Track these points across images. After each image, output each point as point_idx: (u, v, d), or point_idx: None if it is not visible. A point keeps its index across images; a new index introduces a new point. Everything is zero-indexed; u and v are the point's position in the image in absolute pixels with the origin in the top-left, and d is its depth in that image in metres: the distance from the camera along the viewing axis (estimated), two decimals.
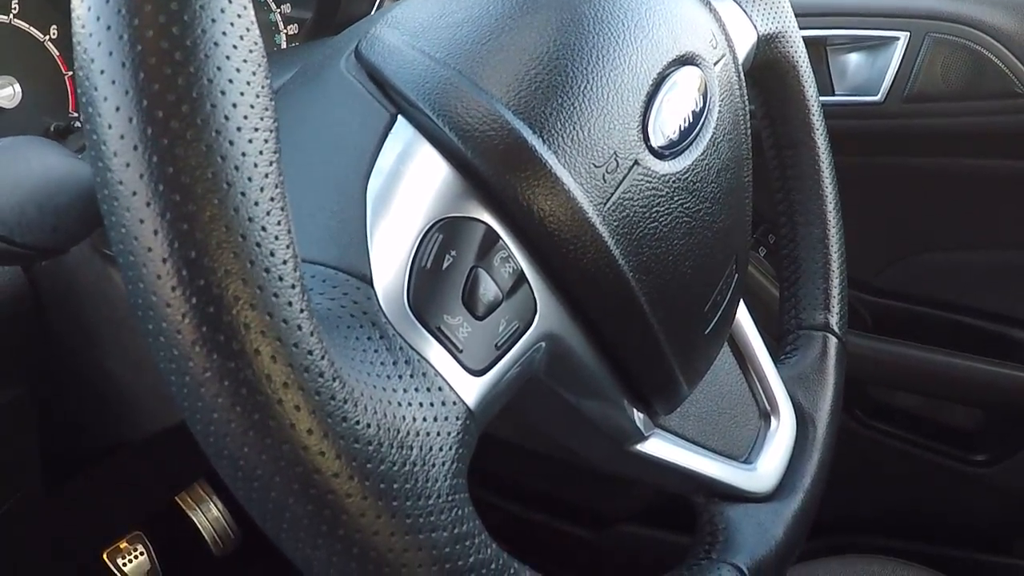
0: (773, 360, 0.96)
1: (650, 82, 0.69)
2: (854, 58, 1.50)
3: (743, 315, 0.93)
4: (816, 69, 1.03)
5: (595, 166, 0.64)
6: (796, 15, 0.97)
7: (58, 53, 0.99)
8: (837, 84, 1.51)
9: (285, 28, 1.19)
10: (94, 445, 0.92)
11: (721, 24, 0.78)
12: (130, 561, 1.34)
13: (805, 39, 0.98)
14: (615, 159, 0.65)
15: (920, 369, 1.60)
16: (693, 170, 0.71)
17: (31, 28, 0.97)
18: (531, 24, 0.66)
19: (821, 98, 1.01)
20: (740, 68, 0.79)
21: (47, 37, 0.98)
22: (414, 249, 0.57)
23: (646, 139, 0.68)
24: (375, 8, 1.17)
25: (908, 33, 1.45)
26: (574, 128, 0.63)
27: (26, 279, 0.82)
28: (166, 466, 1.16)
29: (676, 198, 0.70)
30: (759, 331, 0.95)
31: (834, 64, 1.51)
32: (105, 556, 1.31)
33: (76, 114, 1.01)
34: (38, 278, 0.82)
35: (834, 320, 1.00)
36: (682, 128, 0.71)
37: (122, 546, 1.33)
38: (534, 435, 0.78)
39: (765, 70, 0.96)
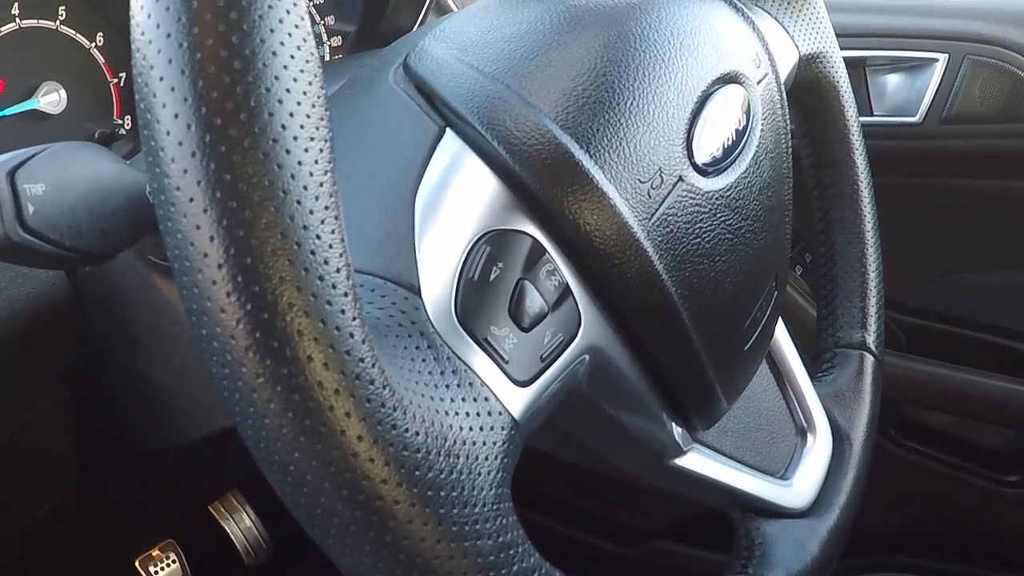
0: (810, 377, 0.96)
1: (695, 100, 0.69)
2: (893, 79, 1.50)
3: (781, 333, 0.93)
4: (855, 89, 1.03)
5: (640, 181, 0.64)
6: (836, 35, 0.97)
7: (103, 60, 1.00)
8: (876, 104, 1.51)
9: (329, 40, 1.19)
10: (133, 451, 0.93)
11: (764, 43, 0.79)
12: (162, 569, 1.34)
13: (845, 59, 0.99)
14: (660, 175, 0.66)
15: (954, 389, 1.60)
16: (736, 187, 0.72)
17: (77, 35, 0.98)
18: (578, 40, 0.67)
19: (860, 118, 1.01)
20: (782, 87, 0.80)
21: (93, 44, 0.99)
22: (462, 261, 0.58)
23: (690, 156, 0.68)
24: (419, 21, 1.18)
25: (947, 55, 1.45)
26: (620, 144, 0.64)
27: (69, 284, 0.82)
28: (202, 475, 1.17)
29: (719, 215, 0.70)
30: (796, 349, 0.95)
31: (873, 84, 1.51)
32: (137, 563, 1.31)
33: (120, 120, 1.01)
34: (81, 283, 0.82)
35: (871, 339, 1.00)
36: (725, 146, 0.71)
37: (154, 554, 1.34)
38: (572, 447, 0.78)
39: (806, 89, 0.96)
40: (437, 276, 0.57)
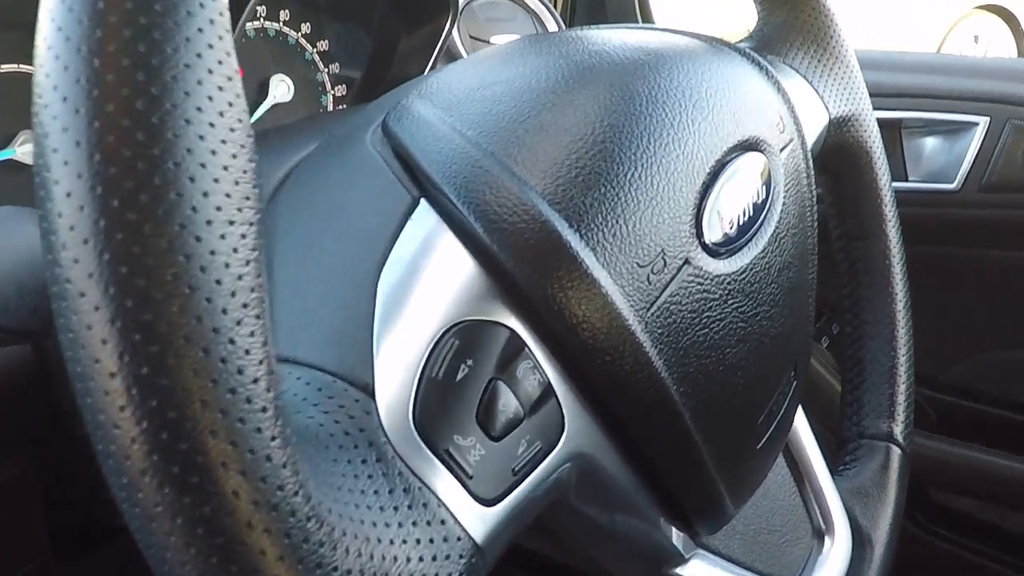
0: (830, 471, 0.90)
1: (707, 170, 0.64)
2: (930, 142, 1.49)
3: (800, 422, 0.88)
4: (889, 153, 1.01)
5: (639, 266, 0.58)
6: (870, 95, 0.93)
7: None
8: (911, 170, 1.49)
9: (332, 89, 1.17)
10: (105, 523, 0.90)
11: (790, 106, 0.74)
12: None
13: (879, 121, 0.95)
14: (662, 258, 0.60)
15: (985, 473, 1.57)
16: (751, 269, 0.66)
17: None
18: (576, 101, 0.61)
19: (893, 184, 0.97)
20: (808, 154, 0.75)
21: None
22: (425, 356, 0.51)
23: (699, 235, 0.62)
24: (428, 69, 1.14)
25: (988, 118, 1.43)
26: (617, 222, 0.58)
27: (32, 353, 0.78)
28: None
29: (730, 301, 0.64)
30: (815, 437, 0.90)
31: (909, 148, 1.49)
32: None
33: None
34: (46, 353, 0.78)
35: (898, 429, 0.95)
36: (740, 222, 0.65)
37: None
38: (562, 548, 0.73)
39: (836, 155, 0.91)
40: (395, 374, 0.50)
